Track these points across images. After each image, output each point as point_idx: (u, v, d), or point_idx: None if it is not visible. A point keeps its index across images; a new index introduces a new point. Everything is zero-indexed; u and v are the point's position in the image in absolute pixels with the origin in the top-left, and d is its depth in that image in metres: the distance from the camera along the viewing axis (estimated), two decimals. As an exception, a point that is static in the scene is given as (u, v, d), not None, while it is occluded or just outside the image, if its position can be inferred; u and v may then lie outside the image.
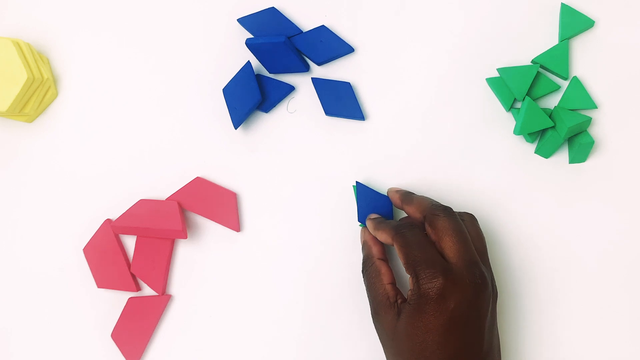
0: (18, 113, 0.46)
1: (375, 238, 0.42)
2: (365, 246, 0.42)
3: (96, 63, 0.49)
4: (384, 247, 0.42)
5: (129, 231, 0.44)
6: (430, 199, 0.40)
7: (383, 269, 0.40)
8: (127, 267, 0.45)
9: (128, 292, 0.45)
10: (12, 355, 0.45)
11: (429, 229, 0.38)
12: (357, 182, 0.43)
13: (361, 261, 0.43)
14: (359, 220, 0.43)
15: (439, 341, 0.35)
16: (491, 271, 0.39)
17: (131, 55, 0.49)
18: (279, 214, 0.45)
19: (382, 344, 0.39)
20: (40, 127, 0.48)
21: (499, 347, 0.38)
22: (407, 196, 0.41)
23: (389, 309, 0.38)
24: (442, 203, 0.40)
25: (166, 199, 0.45)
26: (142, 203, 0.45)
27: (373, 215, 0.42)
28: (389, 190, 0.43)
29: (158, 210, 0.44)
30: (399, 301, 0.38)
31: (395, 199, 0.42)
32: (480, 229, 0.40)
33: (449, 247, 0.37)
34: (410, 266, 0.36)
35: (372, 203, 0.43)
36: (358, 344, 0.43)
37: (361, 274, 0.44)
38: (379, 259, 0.41)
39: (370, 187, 0.45)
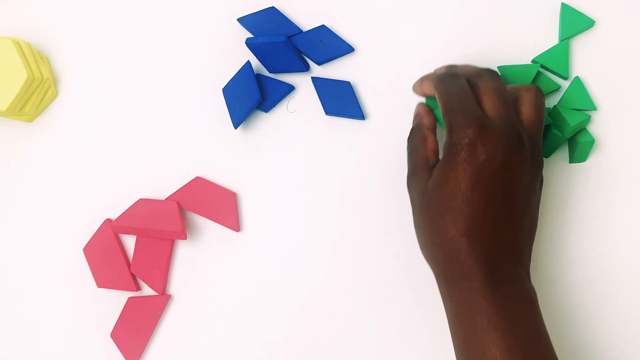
0: (18, 113, 0.46)
1: (429, 111, 0.41)
2: (417, 117, 0.41)
3: (96, 63, 0.49)
4: (436, 122, 0.41)
5: (129, 231, 0.44)
6: (475, 65, 0.40)
7: (430, 137, 0.39)
8: (127, 267, 0.45)
9: (128, 292, 0.45)
10: (12, 354, 0.45)
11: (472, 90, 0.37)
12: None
13: (409, 130, 0.42)
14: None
15: (466, 194, 0.34)
16: (541, 153, 0.38)
17: (131, 55, 0.49)
18: (278, 214, 0.45)
19: (412, 208, 0.39)
20: (40, 127, 0.48)
21: (533, 233, 0.38)
22: (452, 67, 0.41)
23: (425, 170, 0.37)
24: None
25: (166, 199, 0.45)
26: (142, 203, 0.45)
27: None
28: (419, 83, 0.42)
29: (157, 211, 0.44)
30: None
31: (425, 83, 0.41)
32: (542, 104, 0.38)
33: (489, 105, 0.36)
34: (447, 115, 0.36)
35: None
36: (360, 342, 0.43)
37: (406, 142, 0.42)
38: (428, 128, 0.40)
39: (370, 187, 0.45)
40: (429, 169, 0.37)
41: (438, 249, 0.36)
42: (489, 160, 0.34)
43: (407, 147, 0.41)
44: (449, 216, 0.35)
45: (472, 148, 0.34)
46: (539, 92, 0.38)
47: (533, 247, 0.43)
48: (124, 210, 0.45)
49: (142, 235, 0.44)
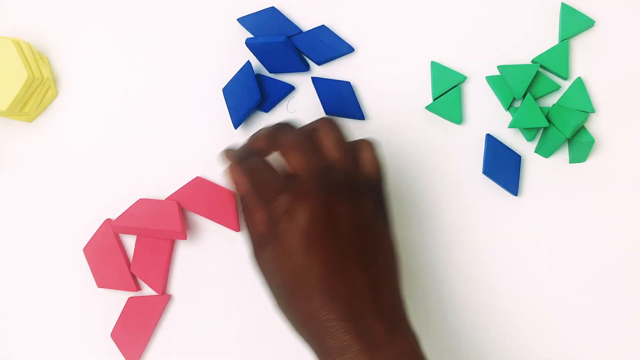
0: (18, 112, 0.46)
1: (244, 177, 0.37)
2: (236, 188, 0.38)
3: (96, 63, 0.49)
4: (252, 190, 0.38)
5: (129, 231, 0.44)
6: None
7: (254, 208, 0.36)
8: (127, 267, 0.45)
9: (128, 292, 0.45)
10: (12, 354, 0.45)
11: (277, 153, 0.36)
12: (487, 134, 0.44)
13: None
14: (484, 173, 0.43)
15: (305, 263, 0.32)
16: (387, 199, 0.36)
17: (131, 55, 0.49)
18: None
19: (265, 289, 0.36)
20: (40, 127, 0.48)
21: (396, 272, 0.34)
22: (269, 134, 0.38)
23: (262, 248, 0.34)
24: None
25: (166, 199, 0.45)
26: (142, 203, 0.45)
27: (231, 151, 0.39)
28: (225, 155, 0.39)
29: (158, 211, 0.44)
30: None
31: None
32: (379, 153, 0.37)
33: (293, 161, 0.34)
34: (257, 192, 0.34)
35: (500, 156, 0.43)
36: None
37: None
38: (250, 200, 0.37)
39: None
40: (265, 244, 0.34)
41: (305, 329, 0.33)
42: (312, 218, 0.32)
43: (243, 221, 0.37)
44: (299, 292, 0.32)
45: (289, 215, 0.32)
46: (374, 143, 0.37)
47: (533, 242, 0.43)
48: (124, 210, 0.45)
49: (142, 235, 0.44)
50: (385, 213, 0.36)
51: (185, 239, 0.44)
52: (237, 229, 0.45)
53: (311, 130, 0.37)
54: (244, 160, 0.36)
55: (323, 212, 0.32)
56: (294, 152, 0.35)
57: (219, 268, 0.45)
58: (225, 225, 0.45)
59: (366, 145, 0.37)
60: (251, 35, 0.48)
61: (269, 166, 0.35)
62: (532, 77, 0.45)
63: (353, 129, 0.46)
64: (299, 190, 0.33)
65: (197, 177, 0.46)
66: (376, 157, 0.36)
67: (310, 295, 0.32)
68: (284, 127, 0.37)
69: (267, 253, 0.34)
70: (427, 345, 0.34)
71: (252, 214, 0.36)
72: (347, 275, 0.32)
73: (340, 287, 0.32)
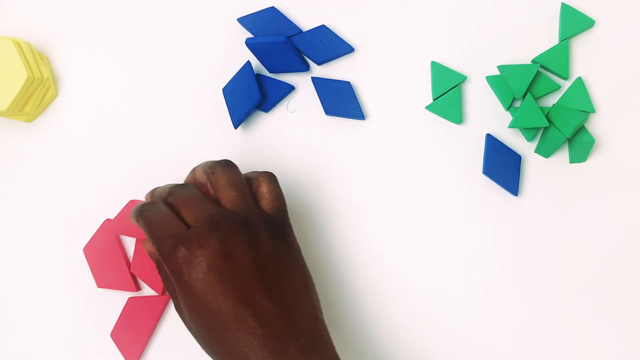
0: (18, 112, 0.46)
1: (133, 225, 0.40)
2: (143, 244, 0.41)
3: (96, 63, 0.49)
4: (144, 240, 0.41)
5: (128, 233, 0.44)
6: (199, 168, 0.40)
7: (154, 254, 0.39)
8: (127, 267, 0.45)
9: (128, 292, 0.45)
10: (12, 354, 0.45)
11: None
12: (488, 134, 0.45)
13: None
14: (484, 173, 0.44)
15: (214, 307, 0.34)
16: (288, 228, 0.38)
17: (131, 55, 0.49)
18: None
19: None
20: (40, 127, 0.48)
21: (307, 292, 0.36)
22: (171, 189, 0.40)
23: (174, 290, 0.36)
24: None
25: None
26: (133, 204, 0.45)
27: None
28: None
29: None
30: None
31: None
32: (278, 185, 0.39)
33: (186, 215, 0.36)
34: (154, 244, 0.35)
35: (500, 156, 0.44)
36: (360, 341, 0.43)
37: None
38: (149, 251, 0.40)
39: (369, 186, 0.45)
40: (176, 297, 0.36)
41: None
42: (209, 264, 0.34)
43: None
44: (214, 333, 0.34)
45: (188, 265, 0.34)
46: (272, 176, 0.39)
47: (533, 242, 0.43)
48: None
49: (141, 238, 0.44)
50: (289, 242, 0.37)
51: None
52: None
53: (204, 178, 0.39)
54: (143, 209, 0.37)
55: (219, 255, 0.34)
56: (185, 207, 0.36)
57: (219, 268, 0.45)
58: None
59: (263, 179, 0.39)
60: (251, 35, 0.48)
61: (170, 214, 0.36)
62: (532, 77, 0.45)
63: (353, 129, 0.46)
64: (192, 239, 0.34)
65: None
66: (272, 189, 0.38)
67: (223, 334, 0.34)
68: (178, 187, 0.38)
69: (180, 303, 0.36)
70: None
71: (163, 274, 0.38)
72: (255, 308, 0.34)
73: (250, 321, 0.33)
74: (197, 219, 0.35)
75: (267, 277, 0.35)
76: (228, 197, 0.37)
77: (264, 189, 0.38)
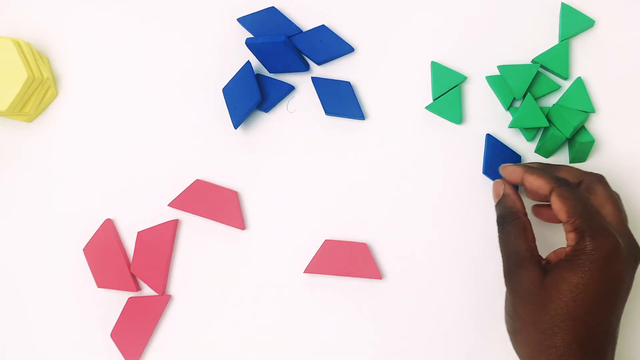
0: (18, 113, 0.46)
1: (517, 192, 0.39)
2: (507, 199, 0.39)
3: (96, 63, 0.49)
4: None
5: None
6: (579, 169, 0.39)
7: (529, 226, 0.38)
8: (127, 267, 0.45)
9: (128, 292, 0.45)
10: (12, 354, 0.45)
11: (587, 194, 0.37)
12: (488, 134, 0.44)
13: (497, 215, 0.40)
14: (484, 173, 0.44)
15: (595, 303, 0.33)
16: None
17: (131, 55, 0.49)
18: (278, 214, 0.45)
19: (514, 303, 0.36)
20: (40, 127, 0.48)
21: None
22: (546, 166, 0.40)
23: (533, 266, 0.35)
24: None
25: (168, 205, 0.46)
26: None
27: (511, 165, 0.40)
28: (504, 168, 0.40)
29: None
30: (544, 262, 0.36)
31: (518, 172, 0.39)
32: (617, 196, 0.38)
33: (611, 214, 0.35)
34: (577, 221, 0.34)
35: (500, 156, 0.44)
36: (361, 341, 0.43)
37: (496, 227, 0.40)
38: (524, 214, 0.38)
39: (369, 186, 0.45)
40: (537, 263, 0.36)
41: (544, 355, 0.35)
42: (620, 274, 0.34)
43: (502, 235, 0.38)
44: (569, 322, 0.34)
45: (607, 260, 0.33)
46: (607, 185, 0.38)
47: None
48: (124, 211, 0.45)
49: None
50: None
51: (244, 228, 0.45)
52: (242, 227, 0.45)
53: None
54: (565, 182, 0.37)
55: (630, 276, 0.35)
56: (614, 207, 0.36)
57: (218, 268, 0.45)
58: (230, 225, 0.45)
59: (606, 188, 0.38)
60: (251, 35, 0.48)
61: (593, 205, 0.36)
62: (532, 77, 0.45)
63: (353, 129, 0.46)
64: (623, 245, 0.34)
65: (197, 180, 0.46)
66: (618, 200, 0.38)
67: (569, 332, 0.34)
68: (599, 176, 0.38)
69: (554, 275, 0.35)
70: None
71: (525, 226, 0.38)
72: (600, 338, 0.35)
73: (590, 347, 0.34)
74: (623, 228, 0.35)
75: (620, 312, 0.36)
76: (622, 225, 0.36)
77: (607, 198, 0.37)
